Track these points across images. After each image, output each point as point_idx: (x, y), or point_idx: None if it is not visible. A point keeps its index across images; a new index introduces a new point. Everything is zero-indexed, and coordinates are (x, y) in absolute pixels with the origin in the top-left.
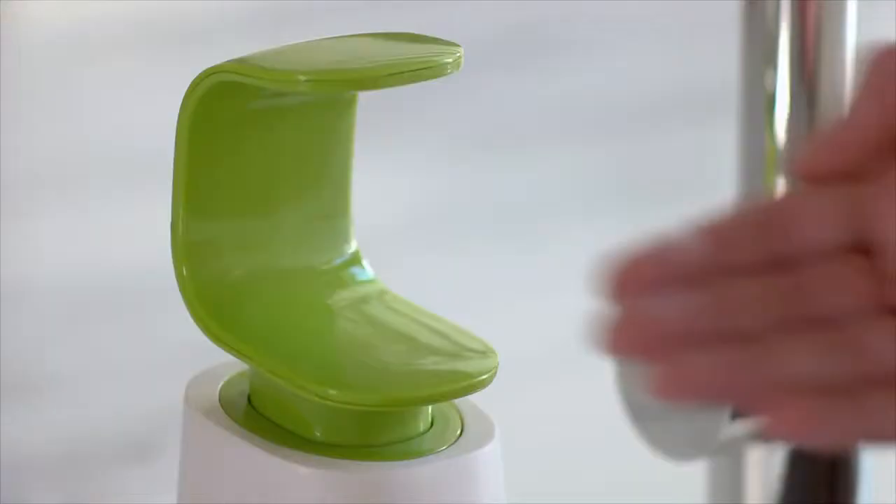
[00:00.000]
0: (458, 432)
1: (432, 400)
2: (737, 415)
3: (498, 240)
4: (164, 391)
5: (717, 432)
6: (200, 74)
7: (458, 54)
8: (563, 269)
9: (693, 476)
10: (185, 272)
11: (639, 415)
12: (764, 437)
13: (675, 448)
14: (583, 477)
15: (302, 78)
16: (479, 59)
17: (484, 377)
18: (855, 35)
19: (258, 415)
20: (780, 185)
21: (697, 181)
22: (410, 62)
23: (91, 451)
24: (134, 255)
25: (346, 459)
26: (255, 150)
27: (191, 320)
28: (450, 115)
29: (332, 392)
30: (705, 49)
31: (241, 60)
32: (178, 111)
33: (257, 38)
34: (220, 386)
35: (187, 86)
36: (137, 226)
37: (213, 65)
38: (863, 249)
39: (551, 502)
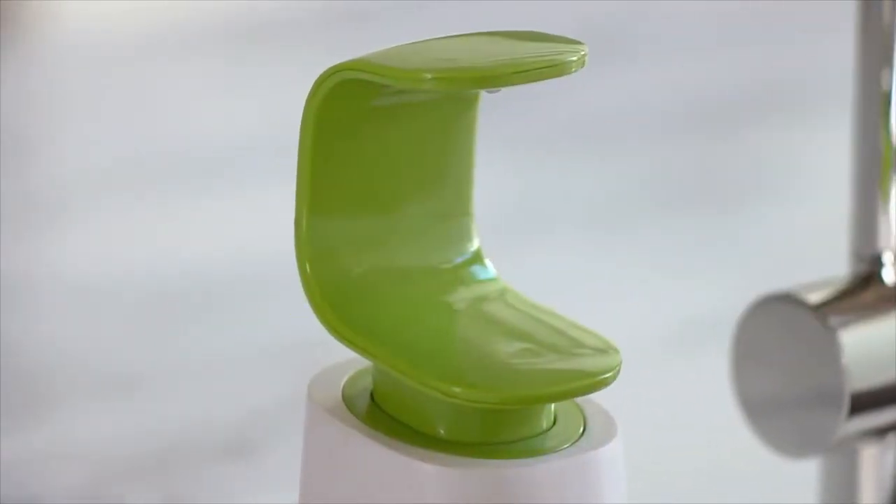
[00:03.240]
0: (581, 430)
1: (556, 398)
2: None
3: (595, 233)
4: (262, 389)
5: (832, 430)
6: (324, 73)
7: (583, 52)
8: (684, 262)
9: (806, 473)
10: (308, 269)
11: (754, 411)
12: None
13: (789, 445)
14: (696, 473)
15: (427, 76)
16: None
17: (607, 375)
18: None
19: (381, 412)
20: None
21: (789, 181)
22: (536, 60)
23: (189, 449)
24: (228, 252)
25: (470, 457)
26: (377, 147)
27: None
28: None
29: (457, 390)
30: (787, 50)
31: (363, 59)
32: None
33: (307, 39)
34: (343, 383)
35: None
36: (228, 221)
37: (336, 63)
38: None
39: (667, 500)
